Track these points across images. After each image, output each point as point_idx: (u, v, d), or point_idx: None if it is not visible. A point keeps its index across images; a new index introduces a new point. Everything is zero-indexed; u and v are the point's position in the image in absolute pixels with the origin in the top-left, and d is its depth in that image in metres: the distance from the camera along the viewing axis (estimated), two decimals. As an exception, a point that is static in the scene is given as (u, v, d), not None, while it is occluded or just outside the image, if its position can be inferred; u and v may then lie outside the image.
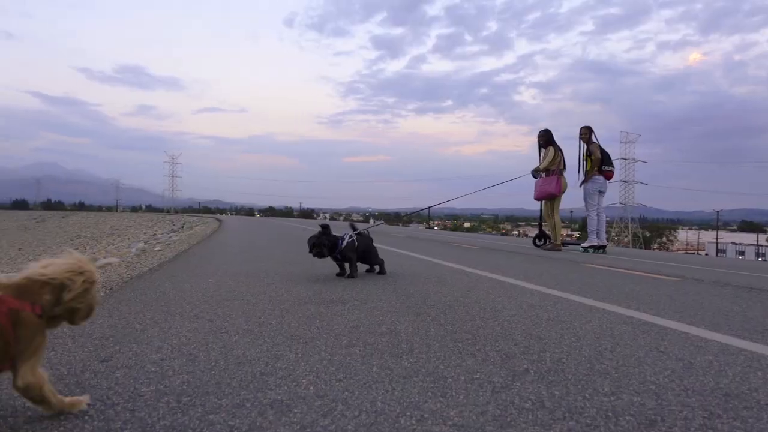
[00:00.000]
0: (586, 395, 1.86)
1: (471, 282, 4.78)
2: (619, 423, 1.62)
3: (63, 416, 1.57)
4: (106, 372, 2.03)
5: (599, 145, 9.89)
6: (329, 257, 4.83)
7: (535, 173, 10.33)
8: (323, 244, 4.70)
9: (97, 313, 1.76)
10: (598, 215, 9.81)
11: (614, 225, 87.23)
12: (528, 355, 2.35)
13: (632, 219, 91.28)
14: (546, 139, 10.32)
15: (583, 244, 10.11)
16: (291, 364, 2.15)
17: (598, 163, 9.76)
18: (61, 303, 1.51)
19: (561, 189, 9.98)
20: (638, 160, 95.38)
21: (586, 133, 9.97)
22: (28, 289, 1.47)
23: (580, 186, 10.05)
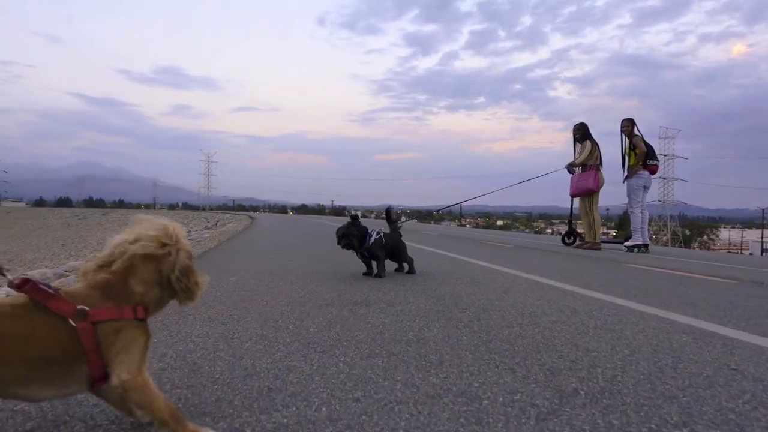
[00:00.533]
0: (652, 426, 1.54)
1: (506, 283, 4.45)
2: (699, 466, 1.31)
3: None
4: None
5: (642, 138, 9.32)
6: (356, 254, 4.61)
7: (571, 168, 9.84)
8: (352, 234, 4.44)
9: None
10: (642, 212, 9.26)
11: (653, 223, 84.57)
12: (576, 371, 2.04)
13: (671, 217, 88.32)
14: (582, 132, 9.83)
15: (626, 243, 9.52)
16: (304, 378, 1.90)
17: (643, 157, 9.19)
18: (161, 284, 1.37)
19: (599, 184, 9.47)
20: (678, 157, 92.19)
21: (629, 125, 9.39)
22: (117, 282, 1.30)
23: (624, 182, 9.49)
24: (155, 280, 1.37)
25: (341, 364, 2.08)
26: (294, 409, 1.62)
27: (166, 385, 1.81)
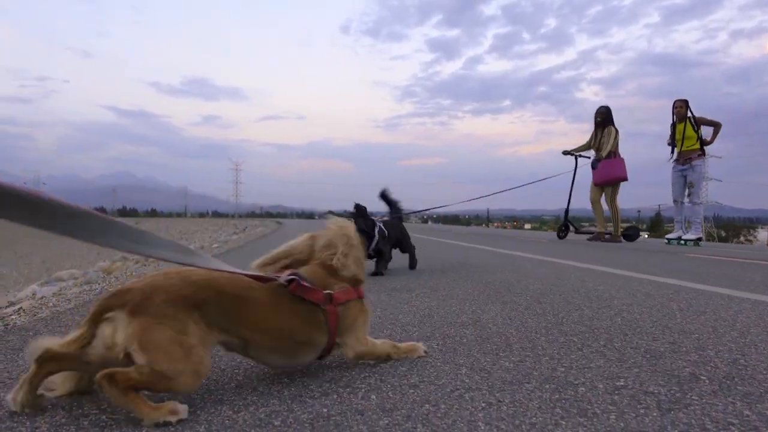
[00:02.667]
0: (825, 418, 1.13)
1: (557, 271, 4.02)
2: None
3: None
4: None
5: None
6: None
7: (597, 161, 9.02)
8: (361, 230, 3.43)
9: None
10: (700, 204, 8.46)
11: (686, 225, 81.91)
12: (682, 355, 1.62)
13: (706, 218, 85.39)
14: (605, 116, 9.06)
15: (686, 236, 8.61)
16: (344, 362, 1.54)
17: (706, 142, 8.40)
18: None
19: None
20: (712, 156, 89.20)
21: (682, 107, 8.56)
22: (324, 268, 1.47)
23: (676, 169, 8.59)
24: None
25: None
26: (335, 396, 1.26)
27: None
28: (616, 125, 8.99)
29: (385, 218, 3.94)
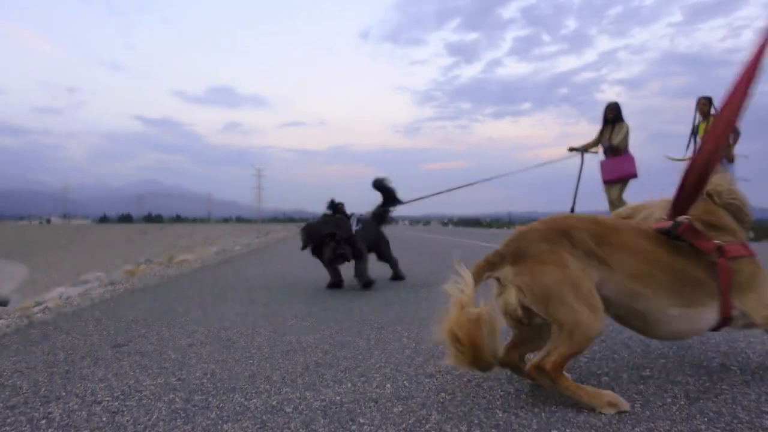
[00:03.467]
0: None
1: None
2: None
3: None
4: (111, 359, 1.49)
5: None
6: (326, 262, 2.87)
7: (609, 149, 8.71)
8: (343, 239, 2.72)
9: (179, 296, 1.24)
10: None
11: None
12: (711, 346, 1.55)
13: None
14: (617, 112, 8.86)
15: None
16: (360, 353, 1.51)
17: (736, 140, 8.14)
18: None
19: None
20: (739, 155, 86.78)
21: (706, 104, 8.36)
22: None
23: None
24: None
25: (405, 339, 1.68)
26: (349, 385, 1.24)
27: (191, 360, 1.46)
28: (628, 122, 8.77)
29: (360, 215, 3.14)
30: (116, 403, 1.13)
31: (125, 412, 1.07)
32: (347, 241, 2.74)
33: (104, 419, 1.04)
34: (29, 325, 2.13)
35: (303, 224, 2.88)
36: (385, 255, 3.21)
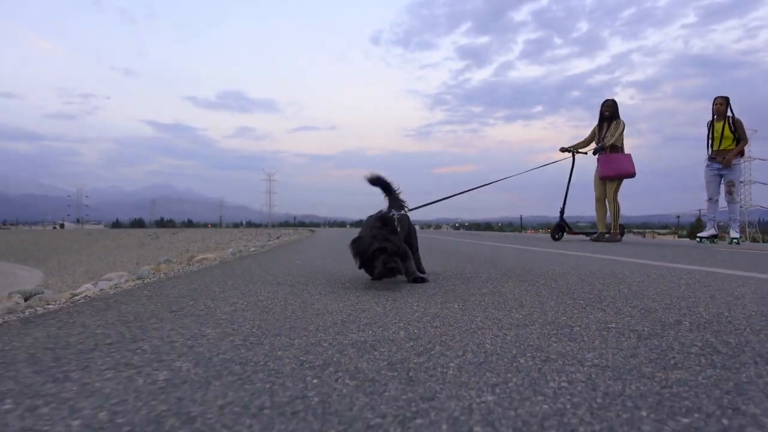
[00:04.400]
0: (777, 343, 1.35)
1: (578, 260, 4.21)
2: None
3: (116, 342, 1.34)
4: (173, 318, 1.81)
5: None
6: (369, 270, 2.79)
7: (601, 149, 8.81)
8: (396, 252, 2.64)
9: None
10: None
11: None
12: (674, 310, 1.85)
13: (750, 223, 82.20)
14: (613, 110, 8.96)
15: (733, 236, 8.54)
16: (378, 315, 1.82)
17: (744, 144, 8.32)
18: None
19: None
20: (756, 158, 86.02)
21: (723, 104, 8.47)
22: None
23: (709, 166, 8.51)
24: None
25: (415, 306, 1.99)
26: (371, 332, 1.54)
27: (239, 318, 1.78)
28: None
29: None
30: (189, 342, 1.45)
31: (200, 346, 1.39)
32: (397, 254, 2.66)
33: (184, 350, 1.36)
34: (88, 301, 2.46)
35: (351, 239, 2.77)
36: (413, 247, 3.16)
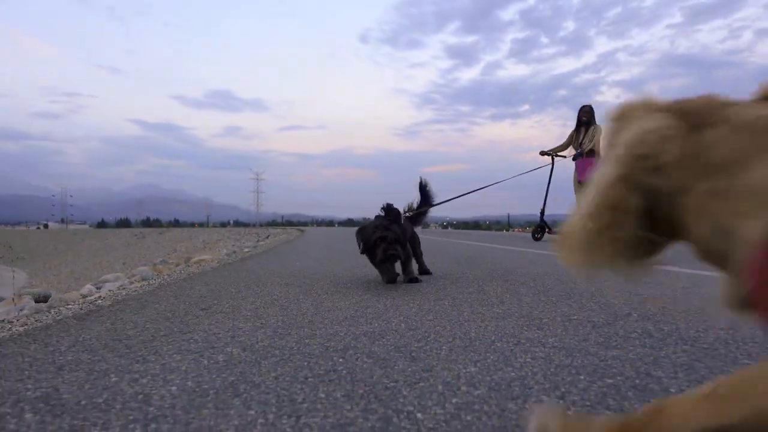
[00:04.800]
0: (700, 329, 1.71)
1: (556, 260, 4.58)
2: (741, 348, 1.48)
3: (181, 333, 1.67)
4: (207, 315, 2.13)
5: None
6: (375, 261, 3.08)
7: (580, 155, 9.18)
8: (396, 240, 2.95)
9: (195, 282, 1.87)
10: None
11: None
12: (629, 304, 2.21)
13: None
14: (591, 115, 9.34)
15: None
16: (380, 311, 2.16)
17: None
18: None
19: None
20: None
21: None
22: None
23: None
24: None
25: (411, 303, 2.33)
26: (377, 324, 1.88)
27: (263, 315, 2.10)
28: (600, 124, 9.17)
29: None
30: (230, 333, 1.77)
31: (240, 336, 1.72)
32: (397, 242, 2.96)
33: (228, 339, 1.69)
34: (122, 301, 2.77)
35: (358, 228, 3.19)
36: (416, 252, 3.57)
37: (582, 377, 1.22)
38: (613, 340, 1.58)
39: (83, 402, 1.12)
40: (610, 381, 1.19)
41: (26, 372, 1.35)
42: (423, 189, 3.73)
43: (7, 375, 1.33)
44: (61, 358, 1.50)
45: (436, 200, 3.73)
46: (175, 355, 1.49)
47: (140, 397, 1.14)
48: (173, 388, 1.20)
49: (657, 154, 0.64)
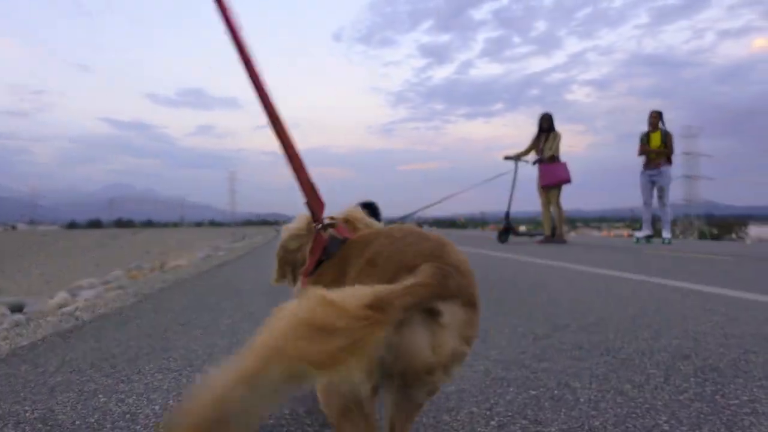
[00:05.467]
0: (625, 340, 1.95)
1: (519, 266, 4.85)
2: (653, 357, 1.71)
3: (156, 353, 1.83)
4: (185, 331, 2.29)
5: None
6: None
7: (540, 160, 9.56)
8: None
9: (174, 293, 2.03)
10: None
11: (678, 223, 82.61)
12: (571, 314, 2.45)
13: (697, 216, 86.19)
14: (551, 123, 9.77)
15: (665, 236, 9.45)
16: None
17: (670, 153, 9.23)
18: None
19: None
20: (702, 155, 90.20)
21: (657, 117, 9.40)
22: None
23: (643, 170, 9.35)
24: None
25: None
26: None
27: (239, 331, 2.27)
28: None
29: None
30: (208, 350, 1.94)
31: (217, 354, 1.89)
32: None
33: (206, 357, 1.86)
34: (104, 316, 2.90)
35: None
36: None
37: (511, 389, 1.44)
38: (548, 353, 1.80)
39: (77, 422, 1.28)
40: (533, 393, 1.41)
41: (21, 394, 1.51)
42: (373, 212, 3.77)
43: (4, 397, 1.48)
44: (51, 379, 1.65)
45: (382, 219, 3.85)
46: (156, 374, 1.66)
47: (128, 416, 1.31)
48: (156, 407, 1.37)
49: (287, 245, 1.32)
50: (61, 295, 6.76)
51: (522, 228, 13.29)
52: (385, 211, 4.60)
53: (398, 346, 0.70)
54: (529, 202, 10.52)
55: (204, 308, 2.88)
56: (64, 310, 4.15)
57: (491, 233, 19.27)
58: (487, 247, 8.38)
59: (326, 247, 1.06)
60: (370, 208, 3.49)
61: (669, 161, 9.31)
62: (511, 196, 10.12)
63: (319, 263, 1.07)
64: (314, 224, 1.12)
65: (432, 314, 0.72)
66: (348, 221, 1.23)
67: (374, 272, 0.81)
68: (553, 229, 9.58)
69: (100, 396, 1.47)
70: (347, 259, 0.96)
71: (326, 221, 1.12)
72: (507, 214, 10.04)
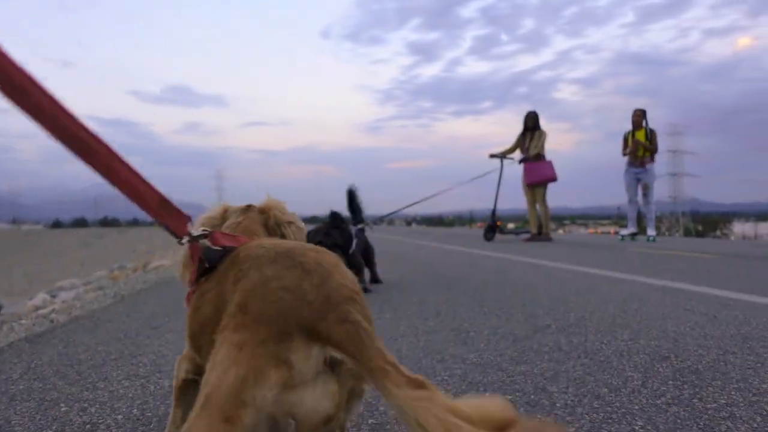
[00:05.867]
0: (604, 341, 1.93)
1: (502, 265, 4.83)
2: (632, 359, 1.69)
3: (124, 358, 1.77)
4: (157, 335, 2.23)
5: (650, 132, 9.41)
6: None
7: (526, 159, 9.59)
8: (335, 244, 3.15)
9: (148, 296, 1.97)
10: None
11: (664, 220, 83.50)
12: (551, 315, 2.42)
13: (683, 213, 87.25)
14: (536, 121, 9.80)
15: (650, 233, 9.51)
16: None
17: (653, 151, 9.30)
18: None
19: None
20: (688, 153, 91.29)
21: (640, 116, 9.44)
22: None
23: (630, 170, 9.40)
24: None
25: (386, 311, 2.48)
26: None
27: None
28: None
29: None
30: (178, 355, 1.88)
31: (187, 359, 1.83)
32: (336, 246, 3.10)
33: (174, 362, 1.80)
34: (74, 320, 2.83)
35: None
36: (370, 262, 3.71)
37: (487, 393, 1.40)
38: (526, 355, 1.77)
39: (34, 433, 1.23)
40: (509, 397, 1.37)
41: (-21, 403, 1.45)
42: (351, 203, 3.74)
43: (-40, 407, 1.42)
44: (13, 387, 1.59)
45: (365, 212, 3.78)
46: (123, 381, 1.60)
47: (87, 427, 1.26)
48: (119, 416, 1.32)
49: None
50: (41, 297, 6.63)
51: (509, 225, 13.33)
52: (374, 209, 4.47)
53: None
54: (517, 199, 10.54)
55: (179, 311, 2.82)
56: (40, 312, 4.05)
57: (479, 231, 19.30)
58: (472, 245, 8.38)
59: (201, 259, 0.95)
60: (337, 219, 3.28)
61: (652, 159, 9.37)
62: (497, 194, 10.14)
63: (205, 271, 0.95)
64: (179, 239, 0.97)
65: None
66: (264, 212, 1.20)
67: (248, 327, 0.69)
68: (539, 227, 9.59)
69: (62, 405, 1.41)
70: (225, 282, 0.84)
71: (198, 232, 0.97)
72: (493, 212, 10.05)
